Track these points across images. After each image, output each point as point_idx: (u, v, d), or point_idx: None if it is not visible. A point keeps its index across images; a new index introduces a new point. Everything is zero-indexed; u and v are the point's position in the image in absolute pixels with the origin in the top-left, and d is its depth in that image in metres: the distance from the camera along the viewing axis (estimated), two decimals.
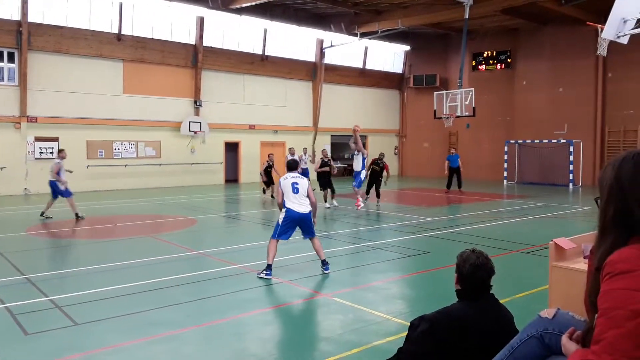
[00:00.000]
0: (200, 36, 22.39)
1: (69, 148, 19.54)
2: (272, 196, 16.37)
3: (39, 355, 4.47)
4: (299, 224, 7.25)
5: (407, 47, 28.29)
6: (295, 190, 7.26)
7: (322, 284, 6.86)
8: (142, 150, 21.50)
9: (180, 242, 9.78)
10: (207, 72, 22.89)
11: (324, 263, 7.27)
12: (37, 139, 18.94)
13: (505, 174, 24.60)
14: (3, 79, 18.35)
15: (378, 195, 15.46)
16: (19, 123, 18.52)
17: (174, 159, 22.15)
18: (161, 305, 5.79)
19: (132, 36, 20.81)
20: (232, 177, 24.44)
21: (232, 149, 24.20)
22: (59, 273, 7.44)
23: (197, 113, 22.72)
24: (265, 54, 24.68)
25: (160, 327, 5.11)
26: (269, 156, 17.63)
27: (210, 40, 22.88)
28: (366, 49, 28.14)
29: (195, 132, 22.27)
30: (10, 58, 18.42)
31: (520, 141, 24.74)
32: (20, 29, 18.14)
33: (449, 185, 19.68)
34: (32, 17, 18.48)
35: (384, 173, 15.67)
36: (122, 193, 19.29)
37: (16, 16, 18.19)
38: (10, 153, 18.34)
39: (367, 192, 15.23)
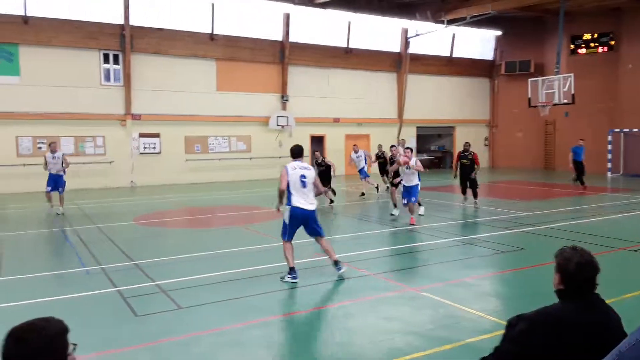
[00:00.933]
0: (287, 32, 22.91)
1: (169, 143, 21.15)
2: (363, 194, 16.10)
3: (148, 335, 4.89)
4: (303, 222, 6.69)
5: (498, 32, 26.95)
6: (303, 184, 6.64)
7: (410, 278, 6.81)
8: (234, 144, 22.54)
9: (271, 232, 10.14)
10: (293, 67, 23.40)
11: (337, 263, 6.68)
12: (141, 135, 20.50)
13: (609, 165, 22.75)
14: (110, 79, 19.99)
15: (475, 194, 13.06)
16: (125, 120, 20.12)
17: (263, 152, 22.94)
18: (255, 293, 6.08)
19: (224, 35, 21.77)
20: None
21: (318, 142, 24.59)
22: (163, 260, 8.04)
23: (284, 107, 23.32)
24: (349, 46, 24.72)
25: (255, 313, 5.38)
26: (314, 153, 16.12)
27: (296, 35, 23.33)
28: (453, 36, 27.22)
29: (282, 126, 22.90)
30: (116, 60, 20.01)
31: (626, 130, 22.71)
32: (124, 32, 19.66)
33: (581, 180, 17.00)
34: (134, 21, 19.94)
35: (475, 166, 13.26)
36: (217, 185, 20.35)
37: (120, 20, 19.71)
38: (117, 148, 20.00)
39: (463, 192, 13.43)
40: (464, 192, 13.46)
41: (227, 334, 4.88)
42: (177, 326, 5.08)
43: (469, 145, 13.89)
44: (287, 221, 6.63)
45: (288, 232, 6.64)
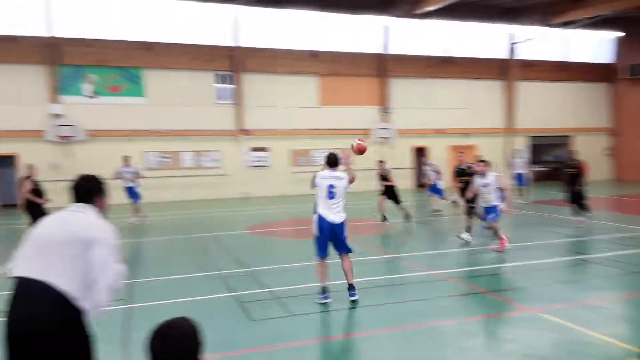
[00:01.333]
0: (386, 45, 22.98)
1: (277, 157, 22.09)
2: (453, 201, 15.33)
3: (262, 340, 5.11)
4: (330, 234, 6.15)
5: (619, 34, 24.70)
6: (331, 195, 6.15)
7: (527, 298, 6.42)
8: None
9: (377, 244, 10.15)
10: (393, 79, 23.36)
11: (351, 288, 6.18)
12: (252, 149, 21.66)
13: None
14: (223, 98, 21.41)
15: (583, 206, 11.63)
16: (236, 136, 21.39)
17: (366, 164, 23.03)
18: (363, 305, 6.11)
19: (326, 52, 22.37)
20: (423, 181, 24.43)
21: (420, 154, 24.19)
22: (275, 267, 8.39)
23: (385, 120, 23.31)
24: (450, 55, 24.14)
25: (364, 325, 5.42)
26: (380, 163, 13.86)
27: (395, 47, 23.29)
28: (565, 40, 25.44)
29: (384, 138, 22.89)
30: (228, 80, 21.41)
31: None
32: (234, 54, 20.98)
33: None
34: (244, 43, 21.20)
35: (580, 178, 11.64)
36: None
37: (231, 43, 21.07)
38: (231, 162, 21.29)
39: (575, 202, 11.67)
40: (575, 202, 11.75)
41: (331, 344, 4.95)
42: (290, 332, 5.26)
43: (571, 152, 13.04)
44: (315, 233, 6.23)
45: (318, 246, 6.21)
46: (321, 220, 6.14)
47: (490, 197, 8.98)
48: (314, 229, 6.20)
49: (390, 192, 13.02)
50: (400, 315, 5.79)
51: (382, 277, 7.59)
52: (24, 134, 18.32)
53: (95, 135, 19.22)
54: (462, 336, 5.12)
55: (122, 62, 19.60)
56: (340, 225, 6.17)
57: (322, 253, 6.21)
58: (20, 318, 2.74)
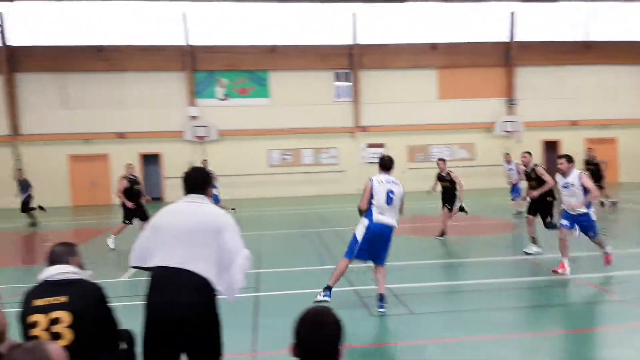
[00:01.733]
0: (512, 32, 21.63)
1: (393, 153, 21.85)
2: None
3: (382, 336, 5.19)
4: (378, 241, 5.78)
5: None
6: (390, 200, 5.79)
7: None
8: (456, 152, 22.22)
9: (504, 244, 9.70)
10: (520, 68, 21.93)
11: (381, 299, 5.75)
12: (369, 145, 21.84)
13: None
14: (341, 96, 21.84)
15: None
16: (354, 133, 21.71)
17: (488, 160, 22.02)
18: (488, 307, 5.91)
19: (445, 43, 21.71)
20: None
21: (551, 148, 22.47)
22: (394, 264, 8.39)
23: (510, 112, 22.03)
24: (589, 39, 21.99)
25: (486, 328, 5.24)
26: (438, 163, 11.84)
27: (522, 34, 21.82)
28: None
29: (509, 132, 21.64)
30: (346, 77, 21.79)
31: None
32: (352, 52, 21.26)
33: None
34: (361, 40, 21.39)
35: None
36: (438, 194, 20.28)
37: (349, 41, 21.38)
38: (347, 159, 21.70)
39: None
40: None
41: (456, 345, 4.85)
42: (410, 330, 5.27)
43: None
44: (359, 237, 5.83)
45: (357, 249, 5.84)
46: (375, 225, 5.81)
47: (573, 201, 7.10)
48: (360, 231, 5.87)
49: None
50: (523, 319, 5.51)
51: (513, 280, 7.24)
52: (166, 135, 20.42)
53: (225, 134, 20.79)
54: (600, 347, 4.74)
55: (250, 66, 20.94)
56: (391, 231, 5.90)
57: (361, 256, 5.94)
58: (168, 303, 3.00)
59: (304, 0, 18.98)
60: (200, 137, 20.39)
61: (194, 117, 20.62)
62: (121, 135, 20.35)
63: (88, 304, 2.99)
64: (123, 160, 18.55)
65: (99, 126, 20.21)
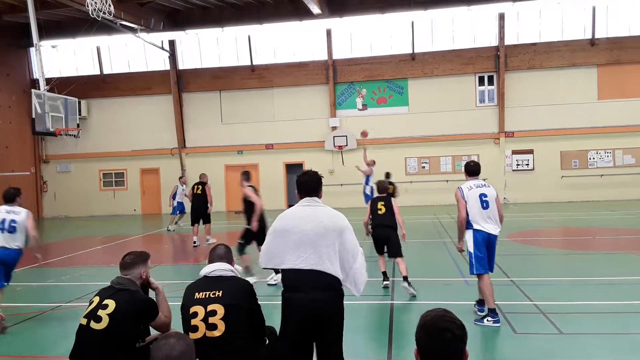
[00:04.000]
0: None
1: (543, 159, 20.41)
2: None
3: (527, 355, 4.88)
4: (489, 248, 5.56)
5: None
6: (485, 204, 5.53)
7: None
8: (619, 158, 19.83)
9: None
10: None
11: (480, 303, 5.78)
12: (514, 152, 20.54)
13: None
14: (484, 100, 20.88)
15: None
16: (498, 139, 20.60)
17: None
18: None
19: (607, 38, 19.56)
20: None
21: None
22: (541, 280, 7.85)
23: None
24: None
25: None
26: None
27: None
28: None
29: None
30: (490, 81, 20.79)
31: None
32: (498, 54, 20.22)
33: None
34: (509, 41, 20.25)
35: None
36: (598, 204, 18.32)
37: (494, 42, 20.38)
38: (490, 166, 20.61)
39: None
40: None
41: None
42: (556, 351, 4.89)
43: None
44: (471, 249, 5.58)
45: (480, 263, 5.54)
46: (481, 234, 5.59)
47: None
48: (470, 244, 5.63)
49: None
50: None
51: None
52: (308, 145, 21.51)
53: (363, 143, 21.20)
54: None
55: (389, 75, 21.15)
56: (496, 238, 5.70)
57: (486, 267, 5.66)
58: (307, 302, 3.30)
59: (448, 5, 18.46)
60: (340, 147, 21.09)
61: (334, 128, 21.42)
62: (270, 147, 21.94)
63: (240, 298, 3.35)
64: (270, 169, 20.05)
65: (250, 138, 22.04)
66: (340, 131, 21.29)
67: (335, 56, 21.40)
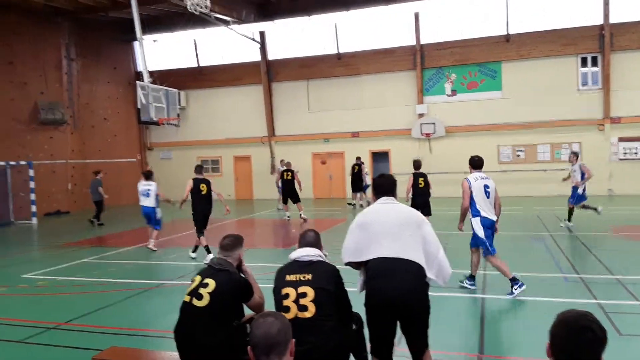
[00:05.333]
0: None
1: None
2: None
3: (633, 357, 4.55)
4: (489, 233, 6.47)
5: None
6: (487, 194, 6.47)
7: None
8: None
9: None
10: None
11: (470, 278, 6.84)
12: (621, 139, 18.87)
13: None
14: (587, 83, 19.33)
15: None
16: (602, 125, 19.02)
17: None
18: None
19: None
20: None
21: None
22: None
23: None
24: None
25: None
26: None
27: None
28: None
29: None
30: (594, 62, 19.18)
31: None
32: (603, 32, 18.58)
33: None
34: (614, 19, 18.53)
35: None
36: None
37: (599, 21, 18.74)
38: (592, 154, 19.10)
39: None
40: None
41: None
42: None
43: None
44: (482, 234, 6.42)
45: (491, 244, 6.45)
46: (487, 221, 6.46)
47: None
48: (479, 229, 6.45)
49: None
50: None
51: None
52: (394, 133, 21.25)
53: (452, 130, 20.57)
54: None
55: (480, 59, 20.25)
56: (494, 224, 6.52)
57: (494, 248, 6.51)
58: (392, 289, 3.38)
59: None
60: (427, 134, 20.61)
61: (421, 115, 20.95)
62: (355, 135, 21.96)
63: (328, 282, 3.46)
64: (355, 157, 20.05)
65: (336, 126, 22.19)
66: (427, 118, 20.79)
67: (422, 41, 20.84)
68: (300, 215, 15.00)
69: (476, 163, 6.75)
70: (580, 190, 11.67)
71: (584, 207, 11.84)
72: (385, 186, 3.89)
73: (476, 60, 20.31)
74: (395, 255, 3.44)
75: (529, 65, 19.70)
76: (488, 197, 6.49)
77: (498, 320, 5.77)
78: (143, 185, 10.67)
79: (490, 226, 6.49)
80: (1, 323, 6.03)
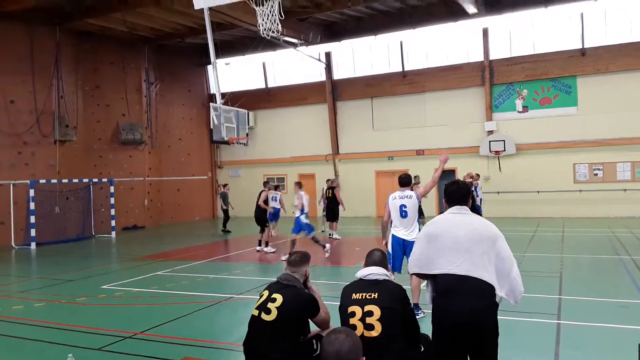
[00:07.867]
0: None
1: None
2: None
3: None
4: (403, 251, 6.53)
5: None
6: (403, 214, 6.58)
7: None
8: None
9: None
10: None
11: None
12: None
13: None
14: None
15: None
16: None
17: None
18: None
19: None
20: None
21: None
22: None
23: None
24: None
25: None
26: None
27: None
28: None
29: None
30: None
31: None
32: None
33: None
34: None
35: None
36: None
37: None
38: None
39: None
40: None
41: None
42: None
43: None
44: (390, 251, 6.60)
45: (393, 262, 6.53)
46: (395, 239, 6.62)
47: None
48: (389, 246, 6.67)
49: None
50: None
51: None
52: (461, 151, 20.78)
53: (522, 148, 19.82)
54: None
55: (554, 74, 19.49)
56: (411, 243, 6.18)
57: (397, 268, 6.60)
58: (457, 311, 3.23)
59: None
60: (497, 152, 19.97)
61: (490, 132, 20.37)
62: (420, 152, 21.69)
63: (394, 302, 3.46)
64: (421, 175, 19.83)
65: (400, 144, 22.04)
66: (497, 135, 20.18)
67: (492, 56, 20.37)
68: (331, 235, 15.27)
69: (401, 180, 6.85)
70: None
71: None
72: (458, 194, 3.62)
73: (549, 75, 19.54)
74: (464, 272, 3.29)
75: (607, 80, 18.69)
76: (404, 216, 6.61)
77: (577, 349, 5.46)
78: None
79: (399, 245, 6.61)
80: (81, 331, 6.44)
